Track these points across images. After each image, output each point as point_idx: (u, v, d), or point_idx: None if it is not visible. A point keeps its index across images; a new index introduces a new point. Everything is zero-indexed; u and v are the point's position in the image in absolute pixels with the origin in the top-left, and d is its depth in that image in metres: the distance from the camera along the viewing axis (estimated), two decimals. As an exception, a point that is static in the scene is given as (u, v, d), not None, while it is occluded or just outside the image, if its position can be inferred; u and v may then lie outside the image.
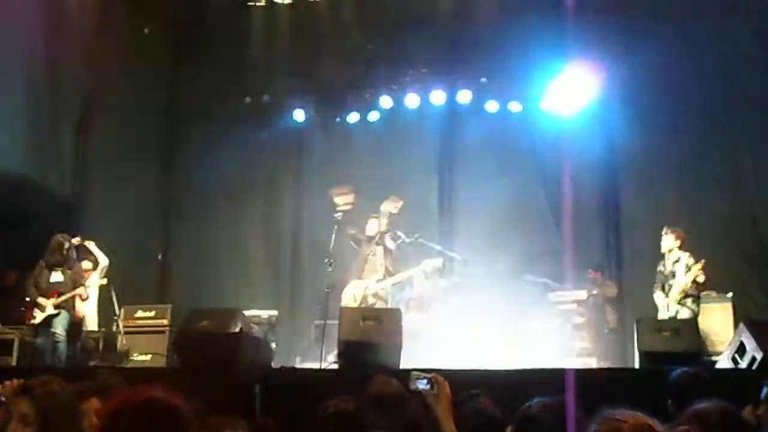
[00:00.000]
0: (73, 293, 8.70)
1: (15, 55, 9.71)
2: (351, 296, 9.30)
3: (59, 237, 8.94)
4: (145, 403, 2.13)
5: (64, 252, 8.86)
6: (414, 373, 3.17)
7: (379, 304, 9.21)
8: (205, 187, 11.60)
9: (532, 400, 3.16)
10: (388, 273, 9.33)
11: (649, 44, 9.83)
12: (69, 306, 8.75)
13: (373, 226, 9.57)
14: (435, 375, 3.15)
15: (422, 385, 3.11)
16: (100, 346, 9.23)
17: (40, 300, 8.65)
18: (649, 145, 10.36)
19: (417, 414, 3.07)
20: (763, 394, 3.81)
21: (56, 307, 8.62)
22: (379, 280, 9.28)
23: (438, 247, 10.15)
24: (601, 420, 2.12)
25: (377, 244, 9.44)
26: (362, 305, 9.14)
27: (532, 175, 10.95)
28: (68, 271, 8.84)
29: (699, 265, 8.37)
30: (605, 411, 2.17)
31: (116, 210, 10.67)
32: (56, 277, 8.79)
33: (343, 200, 9.54)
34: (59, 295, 8.66)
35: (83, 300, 9.07)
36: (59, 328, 8.59)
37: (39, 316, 8.62)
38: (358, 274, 9.41)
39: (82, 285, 8.79)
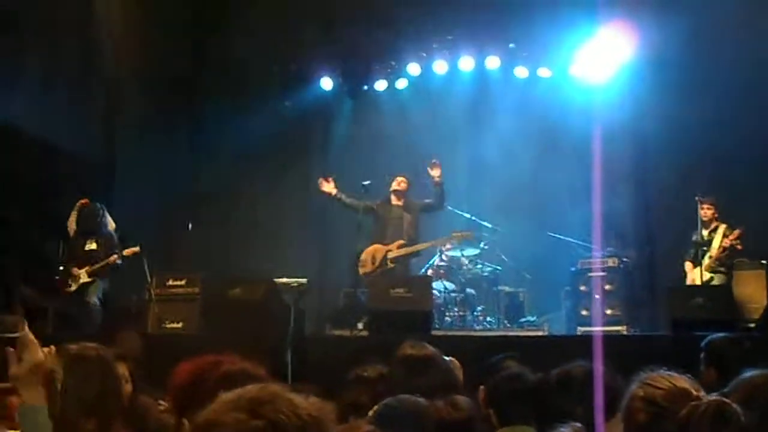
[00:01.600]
0: (106, 261, 8.79)
1: (45, 25, 9.78)
2: (370, 259, 9.24)
3: (91, 205, 9.03)
4: (228, 372, 2.17)
5: (97, 220, 8.95)
6: None
7: (399, 270, 9.17)
8: (233, 155, 11.63)
9: (563, 365, 3.16)
10: (411, 240, 9.27)
11: (682, 5, 9.63)
12: (103, 274, 8.86)
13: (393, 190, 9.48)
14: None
15: None
16: (132, 314, 9.36)
17: (74, 270, 8.76)
18: (681, 112, 10.17)
19: (449, 376, 3.06)
20: None
21: (90, 275, 8.73)
22: (401, 246, 9.22)
23: (467, 215, 10.12)
24: (639, 383, 2.11)
25: (404, 210, 9.38)
26: (380, 269, 9.09)
27: (562, 142, 10.82)
28: (102, 239, 8.93)
29: (737, 232, 8.32)
30: (644, 374, 2.15)
31: (146, 178, 10.75)
32: (90, 245, 8.88)
33: (398, 187, 9.50)
34: (93, 263, 8.76)
35: (114, 269, 9.14)
36: (93, 296, 8.71)
37: (74, 285, 8.74)
38: (380, 238, 9.35)
39: (115, 253, 8.87)
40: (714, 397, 1.98)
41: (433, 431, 2.13)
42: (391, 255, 9.11)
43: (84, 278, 8.73)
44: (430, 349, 3.36)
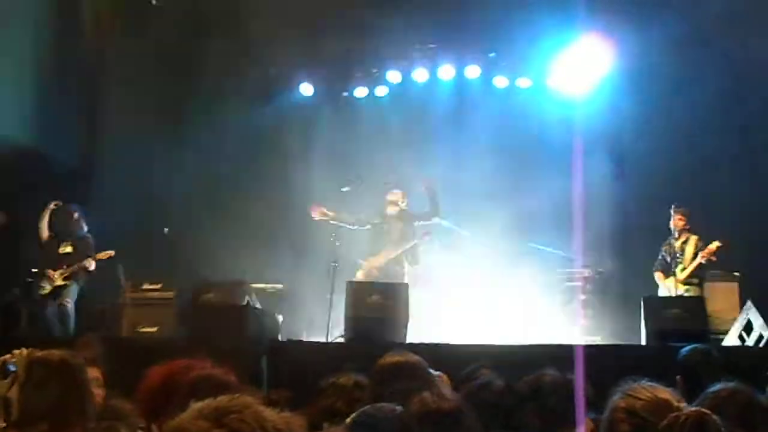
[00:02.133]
0: (80, 264, 8.71)
1: (24, 25, 9.69)
2: (362, 272, 9.37)
3: (67, 207, 8.96)
4: (198, 378, 2.17)
5: (73, 223, 8.88)
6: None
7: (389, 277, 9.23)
8: (212, 160, 11.58)
9: (539, 371, 3.16)
10: (404, 240, 9.41)
11: (662, 18, 9.71)
12: (78, 277, 8.78)
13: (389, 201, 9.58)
14: None
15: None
16: (106, 317, 9.29)
17: (49, 272, 8.67)
18: (659, 122, 10.27)
19: (432, 385, 3.04)
20: None
21: (65, 278, 8.65)
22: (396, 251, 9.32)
23: (446, 223, 10.14)
24: (621, 394, 2.12)
25: (399, 219, 9.48)
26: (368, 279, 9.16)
27: (541, 152, 10.87)
28: (77, 242, 8.86)
29: (714, 247, 8.39)
30: (626, 385, 2.16)
31: (124, 182, 10.68)
32: (65, 248, 8.81)
33: (393, 198, 9.60)
34: (68, 266, 8.68)
35: (88, 272, 9.07)
36: (68, 299, 8.63)
37: (48, 288, 8.65)
38: (378, 249, 9.43)
39: (89, 257, 8.79)
40: (693, 408, 1.99)
41: (418, 424, 2.12)
42: (378, 264, 9.19)
43: (59, 281, 8.64)
44: (414, 357, 3.35)
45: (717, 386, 2.75)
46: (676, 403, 2.01)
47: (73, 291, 8.72)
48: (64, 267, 8.69)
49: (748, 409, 2.64)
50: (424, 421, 2.14)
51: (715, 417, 1.97)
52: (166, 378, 2.24)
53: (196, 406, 1.39)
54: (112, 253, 9.13)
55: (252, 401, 1.40)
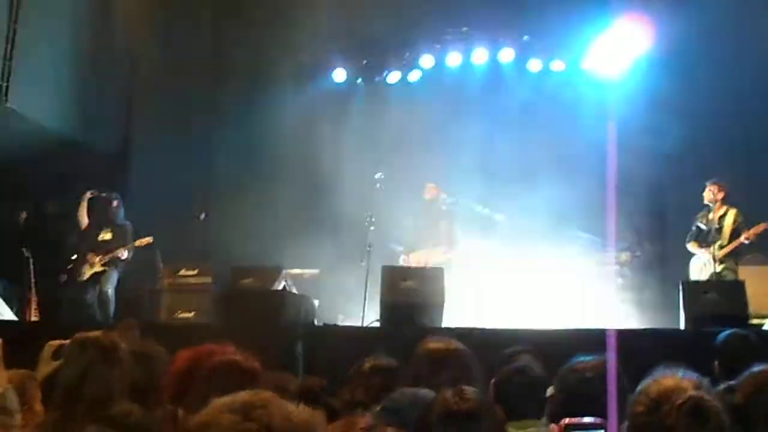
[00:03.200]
0: (119, 251, 8.84)
1: (62, 16, 9.81)
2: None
3: (106, 195, 9.09)
4: (219, 364, 2.20)
5: (112, 210, 9.01)
6: None
7: None
8: (247, 146, 11.65)
9: (574, 358, 3.14)
10: (450, 243, 9.34)
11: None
12: (117, 263, 8.91)
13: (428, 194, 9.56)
14: None
15: None
16: (145, 303, 9.43)
17: (89, 256, 8.82)
18: (697, 107, 10.10)
19: (469, 371, 3.03)
20: None
21: (103, 264, 8.79)
22: (444, 253, 9.27)
23: (480, 208, 10.10)
24: (649, 379, 2.12)
25: (439, 215, 9.45)
26: None
27: (576, 136, 10.76)
28: (116, 229, 8.99)
29: (760, 228, 8.23)
30: (657, 371, 2.16)
31: (161, 169, 10.79)
32: (104, 235, 8.95)
33: (430, 194, 9.59)
34: (107, 253, 8.81)
35: (123, 259, 9.16)
36: (107, 285, 8.77)
37: (87, 273, 8.80)
38: (422, 243, 9.41)
39: (128, 243, 8.92)
40: (696, 393, 2.01)
41: (438, 424, 2.13)
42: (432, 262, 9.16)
43: (97, 267, 8.79)
44: (455, 343, 3.33)
45: (757, 368, 2.73)
46: (690, 390, 2.02)
47: (112, 277, 8.85)
48: (104, 254, 8.82)
49: None
50: (445, 421, 2.14)
51: (715, 402, 2.00)
52: (191, 363, 2.28)
53: (220, 400, 1.42)
54: (150, 239, 9.24)
55: (272, 395, 1.44)
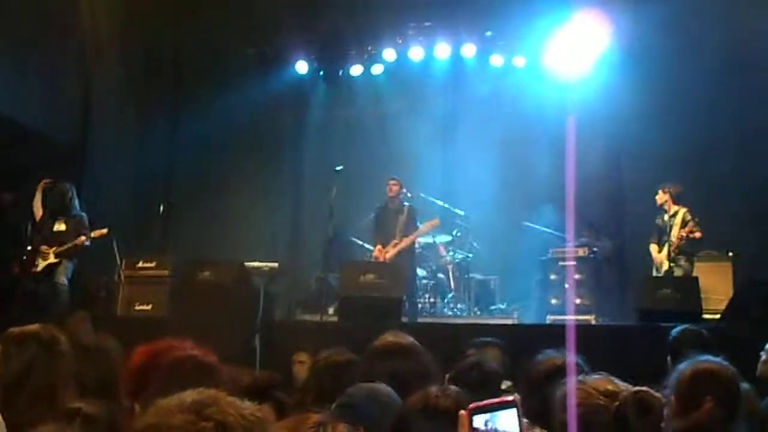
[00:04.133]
0: (74, 242, 8.69)
1: (24, 6, 9.62)
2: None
3: (60, 185, 8.92)
4: (177, 359, 2.17)
5: (67, 201, 8.85)
6: None
7: None
8: (207, 138, 11.53)
9: (536, 355, 3.17)
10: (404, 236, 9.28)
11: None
12: (71, 255, 8.76)
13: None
14: None
15: None
16: (101, 295, 9.29)
17: (43, 248, 8.66)
18: (656, 102, 10.23)
19: (426, 366, 3.03)
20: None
21: (57, 255, 8.63)
22: (395, 245, 9.20)
23: (440, 203, 10.14)
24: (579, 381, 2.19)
25: (395, 211, 9.37)
26: None
27: (536, 131, 10.83)
28: (71, 220, 8.83)
29: (691, 225, 8.41)
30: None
31: (119, 161, 10.65)
32: (59, 226, 8.79)
33: (392, 191, 9.49)
34: (61, 244, 8.66)
35: (82, 250, 9.02)
36: (61, 277, 8.61)
37: (41, 265, 8.64)
38: (381, 240, 9.36)
39: (84, 234, 8.77)
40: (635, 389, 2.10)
41: (418, 421, 2.13)
42: (388, 256, 9.03)
43: (51, 258, 8.62)
44: (409, 338, 3.33)
45: (682, 364, 2.91)
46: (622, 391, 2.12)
47: (67, 269, 8.70)
48: (59, 245, 8.66)
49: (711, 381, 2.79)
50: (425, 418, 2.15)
51: (657, 395, 2.09)
52: (149, 358, 2.25)
53: (165, 401, 1.38)
54: (105, 231, 9.11)
55: (218, 392, 1.41)
